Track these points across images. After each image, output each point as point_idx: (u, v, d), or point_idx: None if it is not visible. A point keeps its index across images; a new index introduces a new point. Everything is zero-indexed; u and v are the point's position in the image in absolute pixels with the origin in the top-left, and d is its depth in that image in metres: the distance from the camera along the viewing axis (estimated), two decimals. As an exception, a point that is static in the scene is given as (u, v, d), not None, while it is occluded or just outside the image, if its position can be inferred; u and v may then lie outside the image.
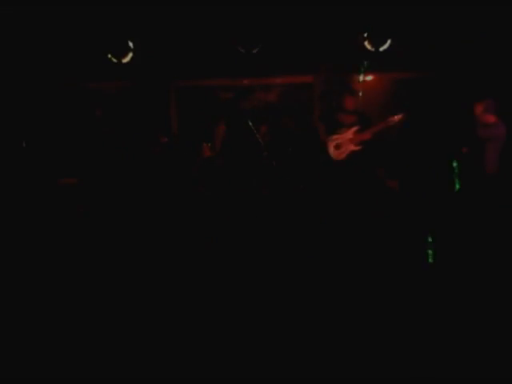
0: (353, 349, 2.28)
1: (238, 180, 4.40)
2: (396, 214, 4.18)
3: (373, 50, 4.50)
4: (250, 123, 4.24)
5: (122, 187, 4.36)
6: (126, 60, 4.51)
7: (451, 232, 3.63)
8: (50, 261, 3.42)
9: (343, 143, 4.33)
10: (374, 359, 2.18)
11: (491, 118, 3.67)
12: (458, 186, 3.77)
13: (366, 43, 4.42)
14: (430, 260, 3.34)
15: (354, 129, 4.27)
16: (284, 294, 2.90)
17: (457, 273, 3.08)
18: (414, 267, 3.24)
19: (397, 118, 3.97)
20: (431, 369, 2.09)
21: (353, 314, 2.62)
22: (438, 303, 2.70)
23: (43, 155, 4.34)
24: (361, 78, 4.93)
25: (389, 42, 4.41)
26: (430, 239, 3.44)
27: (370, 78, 5.30)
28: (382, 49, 4.48)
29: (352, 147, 4.30)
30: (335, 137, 4.37)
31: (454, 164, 3.78)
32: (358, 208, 4.23)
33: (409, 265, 3.27)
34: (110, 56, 4.45)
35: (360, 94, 4.60)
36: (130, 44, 4.45)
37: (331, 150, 4.41)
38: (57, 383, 2.08)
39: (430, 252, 3.37)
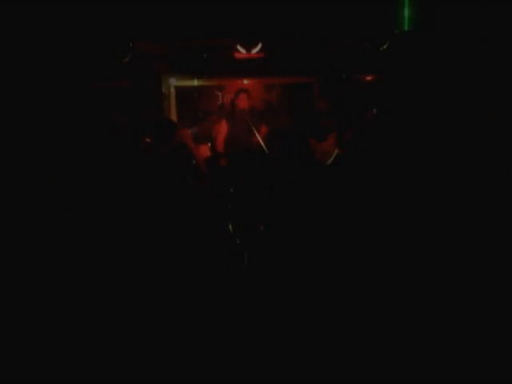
0: (353, 349, 2.29)
1: (238, 180, 4.40)
2: (389, 212, 4.19)
3: (373, 49, 4.50)
4: (250, 123, 4.25)
5: (124, 187, 4.36)
6: (125, 60, 4.51)
7: (449, 230, 3.64)
8: (50, 260, 3.42)
9: (328, 149, 4.39)
10: (374, 359, 2.19)
11: (490, 119, 3.68)
12: None
13: (366, 43, 4.43)
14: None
15: (334, 133, 4.34)
16: (284, 294, 2.91)
17: (456, 272, 3.09)
18: (412, 266, 3.25)
19: (369, 114, 4.05)
20: (431, 369, 2.10)
21: (352, 314, 2.63)
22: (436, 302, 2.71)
23: (46, 155, 4.33)
24: None
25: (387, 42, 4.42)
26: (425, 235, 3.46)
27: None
28: (381, 49, 4.49)
29: (336, 150, 4.37)
30: (320, 144, 4.42)
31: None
32: (351, 208, 4.25)
33: (407, 263, 3.28)
34: (110, 56, 4.46)
35: (333, 96, 4.67)
36: (130, 44, 4.45)
37: (317, 157, 4.46)
38: (57, 383, 2.08)
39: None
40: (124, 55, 4.49)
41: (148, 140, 4.42)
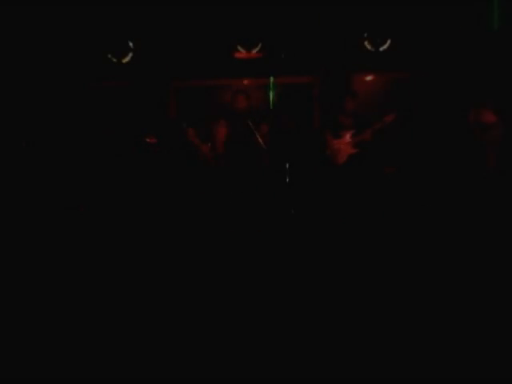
0: (353, 349, 2.28)
1: (238, 180, 4.40)
2: (396, 213, 4.19)
3: (373, 49, 4.51)
4: (250, 123, 4.25)
5: (125, 187, 4.36)
6: (125, 60, 4.52)
7: (451, 230, 3.64)
8: (51, 259, 3.42)
9: (342, 147, 4.39)
10: (374, 359, 2.19)
11: (491, 118, 3.67)
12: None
13: (366, 43, 4.43)
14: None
15: (351, 132, 4.35)
16: (283, 293, 2.91)
17: (455, 272, 3.09)
18: (413, 265, 3.24)
19: (390, 117, 4.07)
20: (430, 369, 2.10)
21: (352, 314, 2.62)
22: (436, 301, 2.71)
23: (47, 154, 4.33)
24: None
25: (389, 42, 4.42)
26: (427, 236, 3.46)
27: (369, 78, 5.31)
28: (382, 49, 4.50)
29: (351, 150, 4.37)
30: (334, 141, 4.43)
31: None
32: (360, 208, 4.26)
33: (408, 262, 3.28)
34: (110, 56, 4.46)
35: (358, 94, 4.64)
36: (130, 44, 4.46)
37: (332, 155, 4.47)
38: (57, 383, 2.08)
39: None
40: (124, 55, 4.50)
41: (152, 140, 4.42)
